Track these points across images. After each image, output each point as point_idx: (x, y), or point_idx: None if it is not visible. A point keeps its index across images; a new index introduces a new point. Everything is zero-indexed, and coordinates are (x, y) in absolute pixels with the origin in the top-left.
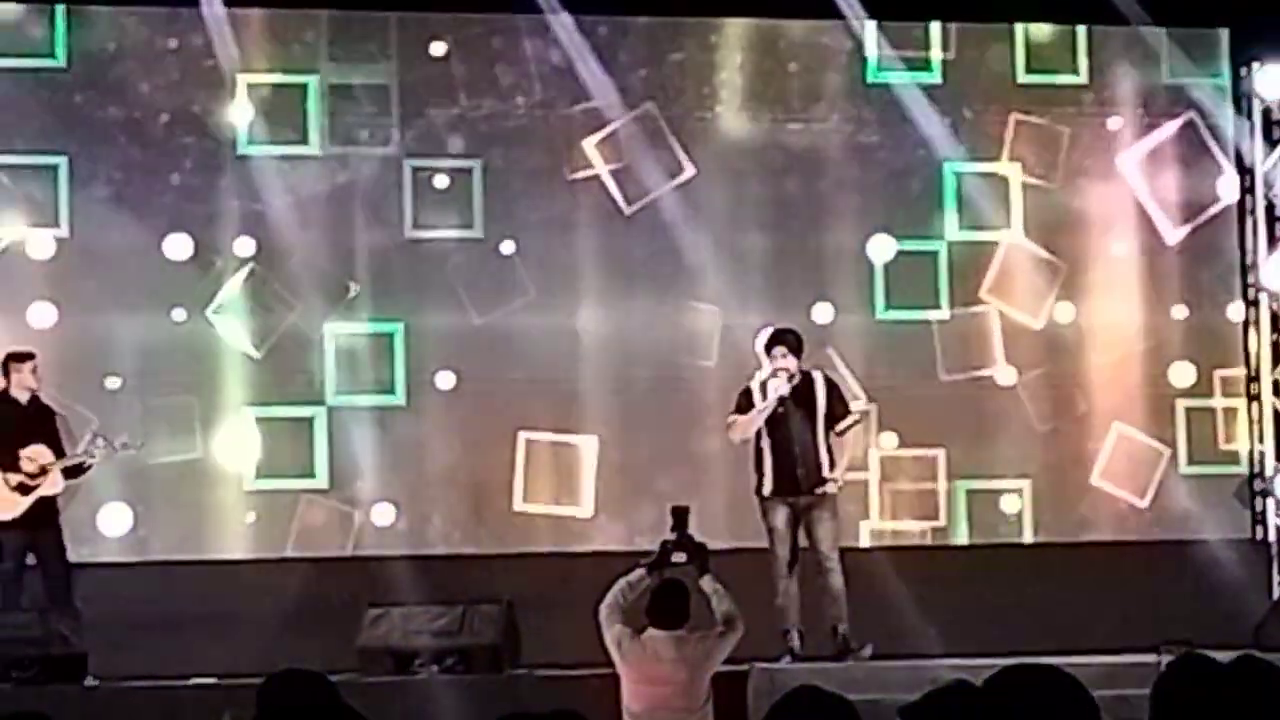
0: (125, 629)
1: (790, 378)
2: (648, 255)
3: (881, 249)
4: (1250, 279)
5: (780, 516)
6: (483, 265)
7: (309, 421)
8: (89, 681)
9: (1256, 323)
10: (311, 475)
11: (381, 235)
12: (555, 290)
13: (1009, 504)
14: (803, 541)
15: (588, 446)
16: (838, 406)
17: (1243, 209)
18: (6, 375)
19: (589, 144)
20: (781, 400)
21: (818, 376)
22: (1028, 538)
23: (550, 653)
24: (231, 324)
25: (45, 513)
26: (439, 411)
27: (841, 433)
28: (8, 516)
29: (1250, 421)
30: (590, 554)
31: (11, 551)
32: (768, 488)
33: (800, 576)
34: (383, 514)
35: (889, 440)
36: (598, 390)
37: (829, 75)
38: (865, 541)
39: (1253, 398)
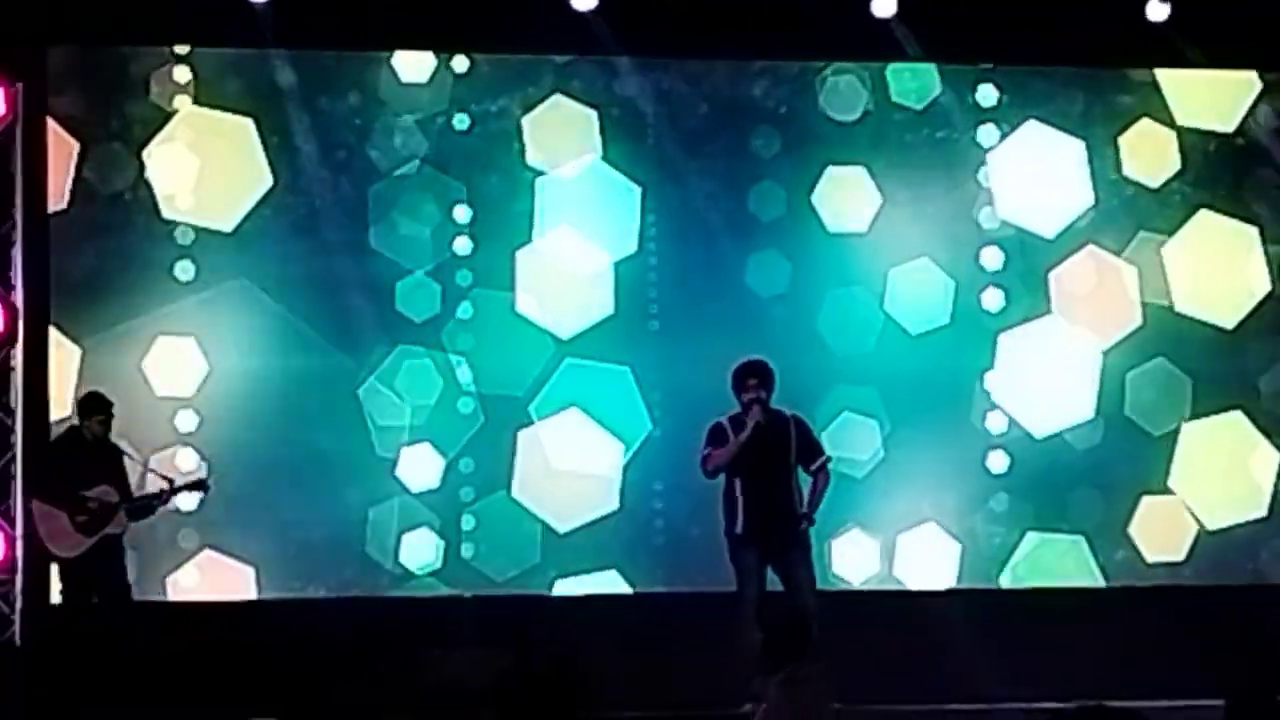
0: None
1: (764, 409)
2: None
3: None
4: None
5: (752, 555)
6: None
7: None
8: None
9: None
10: None
11: None
12: None
13: None
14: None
15: None
16: (811, 446)
17: None
18: (81, 417)
19: None
20: (756, 436)
21: (790, 415)
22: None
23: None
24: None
25: (109, 551)
26: None
27: (814, 472)
28: (72, 554)
29: None
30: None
31: (74, 589)
32: (740, 527)
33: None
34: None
35: None
36: None
37: None
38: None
39: None
